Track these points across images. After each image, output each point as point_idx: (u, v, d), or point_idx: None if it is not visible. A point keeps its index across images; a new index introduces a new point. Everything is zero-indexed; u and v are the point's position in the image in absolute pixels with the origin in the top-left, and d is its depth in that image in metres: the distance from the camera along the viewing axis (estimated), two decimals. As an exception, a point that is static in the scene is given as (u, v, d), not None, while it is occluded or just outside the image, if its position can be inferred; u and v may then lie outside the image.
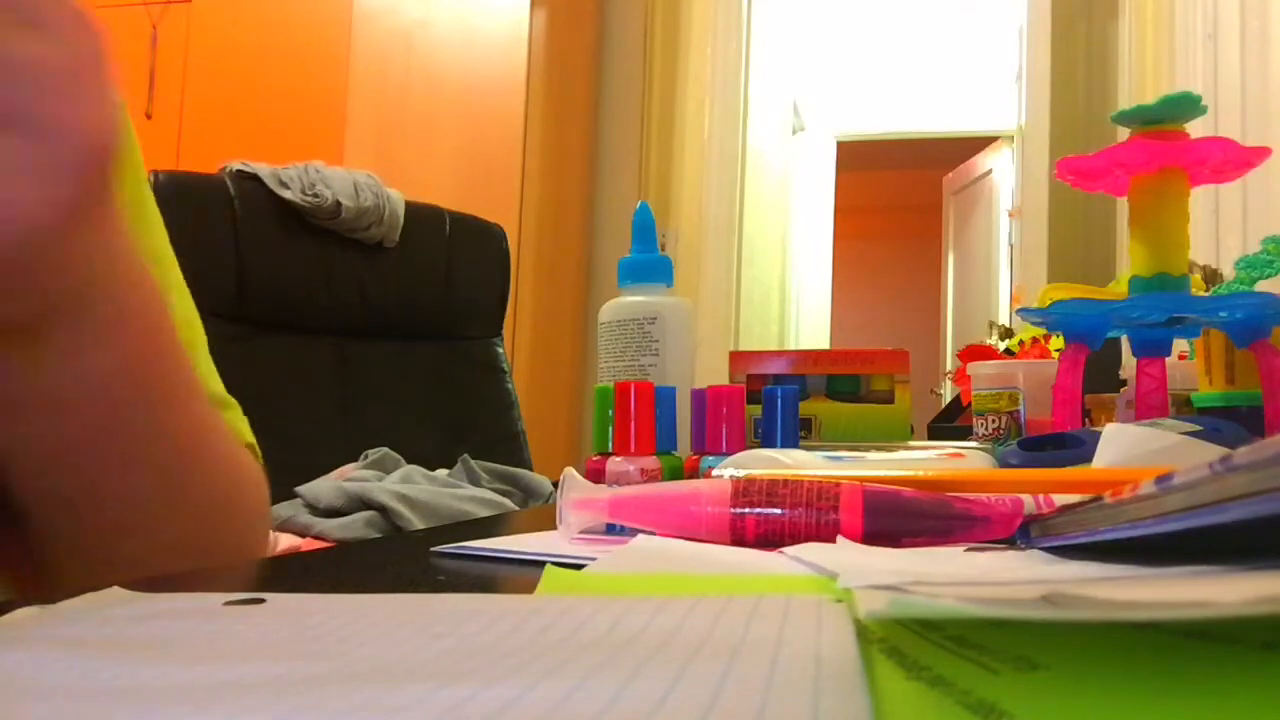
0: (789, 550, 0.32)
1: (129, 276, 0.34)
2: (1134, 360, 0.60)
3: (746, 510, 0.36)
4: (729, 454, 0.52)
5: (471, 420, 1.39)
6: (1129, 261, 0.59)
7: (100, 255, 0.32)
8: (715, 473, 0.44)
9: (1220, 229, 2.20)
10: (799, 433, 0.62)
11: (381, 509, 1.01)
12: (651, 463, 0.54)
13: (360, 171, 1.33)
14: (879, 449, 0.56)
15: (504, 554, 0.34)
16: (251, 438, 0.48)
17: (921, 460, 0.52)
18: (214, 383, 0.47)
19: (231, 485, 0.41)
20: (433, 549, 0.36)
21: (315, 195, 1.25)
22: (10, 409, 0.33)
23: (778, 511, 0.35)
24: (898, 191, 5.83)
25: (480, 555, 0.35)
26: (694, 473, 0.56)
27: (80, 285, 0.32)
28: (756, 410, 0.62)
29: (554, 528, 0.39)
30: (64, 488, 0.35)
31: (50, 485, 0.35)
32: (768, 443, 0.61)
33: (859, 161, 4.80)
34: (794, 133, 4.16)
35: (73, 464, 0.35)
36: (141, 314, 0.35)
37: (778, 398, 0.61)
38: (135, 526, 0.37)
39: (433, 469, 1.15)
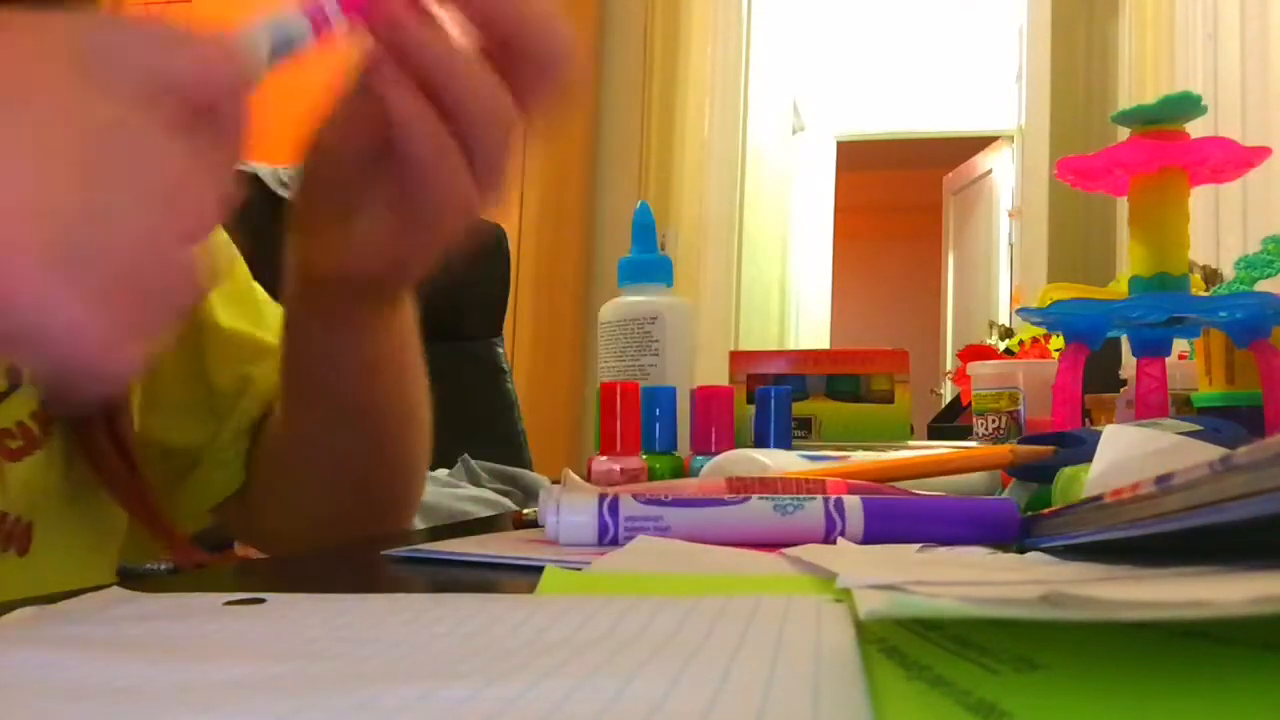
0: (789, 550, 0.32)
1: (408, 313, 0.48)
2: (1134, 360, 0.60)
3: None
4: (718, 454, 0.52)
5: (471, 420, 1.39)
6: (1129, 261, 0.59)
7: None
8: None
9: (1220, 229, 2.20)
10: (793, 433, 0.62)
11: (381, 509, 1.00)
12: (635, 462, 0.54)
13: (360, 171, 1.33)
14: (869, 449, 0.56)
15: (456, 557, 0.34)
16: None
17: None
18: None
19: (427, 430, 0.52)
20: (382, 551, 0.36)
21: (315, 195, 1.25)
22: (364, 369, 0.45)
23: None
24: (898, 191, 5.83)
25: (440, 559, 0.34)
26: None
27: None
28: (754, 410, 0.62)
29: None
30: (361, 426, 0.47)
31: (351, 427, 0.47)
32: (761, 443, 0.61)
33: (859, 161, 4.80)
34: (794, 133, 4.16)
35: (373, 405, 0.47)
36: (410, 340, 0.48)
37: (770, 398, 0.61)
38: (385, 442, 0.49)
39: (433, 469, 1.15)
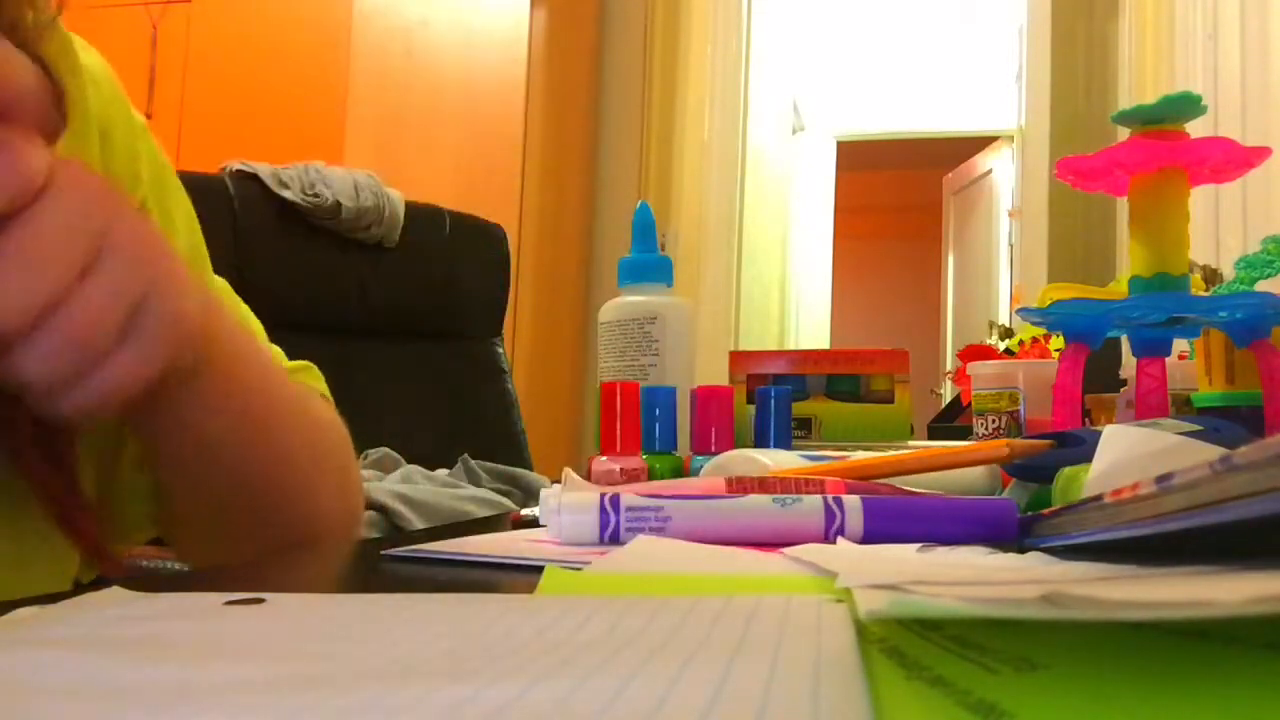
0: (789, 550, 0.32)
1: (233, 354, 0.41)
2: (1134, 360, 0.60)
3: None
4: (718, 454, 0.52)
5: (471, 420, 1.39)
6: (1129, 261, 0.59)
7: (202, 342, 0.36)
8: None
9: (1220, 229, 2.20)
10: (793, 433, 0.62)
11: (381, 509, 1.00)
12: (635, 462, 0.54)
13: (360, 171, 1.33)
14: (869, 449, 0.56)
15: (456, 557, 0.34)
16: (325, 390, 0.57)
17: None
18: (282, 358, 0.54)
19: (321, 453, 0.50)
20: (382, 551, 0.36)
21: (315, 195, 1.25)
22: (167, 455, 0.41)
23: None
24: (898, 191, 5.83)
25: (440, 559, 0.34)
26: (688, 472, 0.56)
27: (185, 373, 0.36)
28: (754, 410, 0.62)
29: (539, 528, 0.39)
30: (208, 492, 0.43)
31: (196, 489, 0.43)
32: (761, 443, 0.61)
33: (859, 161, 4.80)
34: (794, 133, 4.16)
35: (213, 482, 0.43)
36: (248, 383, 0.42)
37: (770, 398, 0.61)
38: (251, 506, 0.44)
39: (433, 469, 1.15)
